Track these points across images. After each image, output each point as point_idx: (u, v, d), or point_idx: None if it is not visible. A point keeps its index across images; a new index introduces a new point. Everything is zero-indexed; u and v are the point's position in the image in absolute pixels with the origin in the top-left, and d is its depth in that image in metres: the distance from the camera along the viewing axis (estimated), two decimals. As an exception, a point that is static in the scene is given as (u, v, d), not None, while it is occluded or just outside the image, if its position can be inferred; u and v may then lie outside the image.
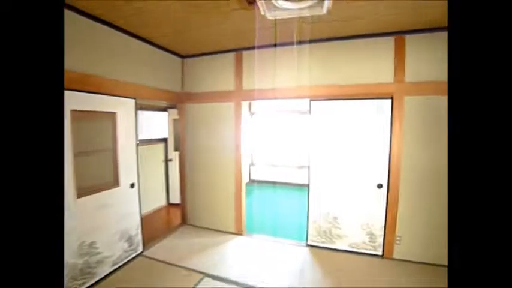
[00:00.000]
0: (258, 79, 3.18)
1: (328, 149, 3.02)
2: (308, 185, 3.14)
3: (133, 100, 2.80)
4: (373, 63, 2.78)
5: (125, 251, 2.80)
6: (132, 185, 2.85)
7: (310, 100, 3.03)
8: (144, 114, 4.56)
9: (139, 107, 4.40)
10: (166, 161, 4.87)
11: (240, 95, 3.29)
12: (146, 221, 4.08)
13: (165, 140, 4.85)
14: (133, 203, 2.88)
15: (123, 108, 2.68)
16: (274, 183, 6.58)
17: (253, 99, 3.28)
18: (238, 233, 3.51)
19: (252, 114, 6.70)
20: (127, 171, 2.77)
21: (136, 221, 2.94)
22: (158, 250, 3.14)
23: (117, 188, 2.66)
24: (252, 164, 6.83)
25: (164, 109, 4.79)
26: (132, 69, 2.80)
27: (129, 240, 2.85)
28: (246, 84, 3.27)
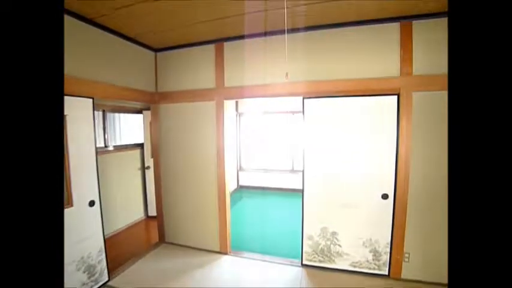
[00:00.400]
0: (243, 74, 2.74)
1: (325, 153, 2.61)
2: (302, 195, 2.72)
3: (89, 100, 2.31)
4: (376, 53, 2.39)
5: (84, 284, 2.30)
6: (92, 203, 2.34)
7: (304, 98, 2.61)
8: (116, 118, 4.04)
9: (109, 110, 3.90)
10: (143, 168, 4.36)
11: (221, 92, 2.84)
12: (116, 240, 3.58)
13: (141, 146, 4.34)
14: (93, 225, 2.38)
15: (75, 109, 2.18)
16: (264, 188, 6.15)
17: (237, 98, 2.84)
18: (223, 251, 3.06)
19: (239, 115, 6.25)
20: (83, 187, 2.27)
21: (98, 245, 2.44)
22: (127, 277, 2.64)
23: (70, 209, 2.16)
24: (240, 169, 6.37)
25: (139, 111, 4.28)
26: (90, 62, 2.30)
27: (89, 269, 2.35)
28: (229, 81, 2.82)
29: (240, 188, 6.32)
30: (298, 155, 5.88)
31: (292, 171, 6.01)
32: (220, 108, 2.84)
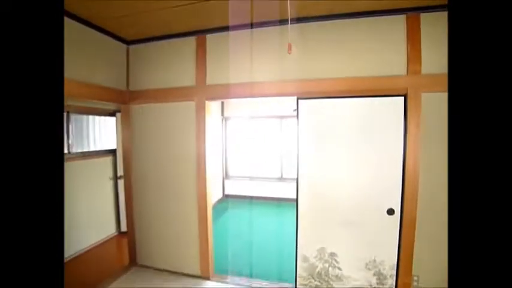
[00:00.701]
0: (227, 71, 2.38)
1: (322, 160, 2.28)
2: (296, 210, 2.37)
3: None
4: (380, 49, 2.11)
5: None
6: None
7: (298, 98, 2.28)
8: (83, 120, 3.55)
9: (75, 111, 3.41)
10: (116, 178, 3.87)
11: (203, 92, 2.46)
12: (80, 262, 3.07)
13: (113, 152, 3.85)
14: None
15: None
16: (252, 198, 5.76)
17: (221, 98, 2.47)
18: (205, 276, 2.64)
19: (225, 119, 5.88)
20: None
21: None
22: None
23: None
24: (226, 177, 5.96)
25: (112, 113, 3.81)
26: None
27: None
28: (211, 79, 2.45)
29: (226, 198, 5.90)
30: (288, 162, 5.57)
31: (281, 179, 5.67)
32: (200, 110, 2.45)
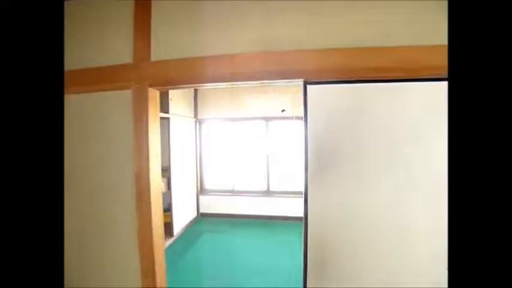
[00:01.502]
0: (186, 37, 1.45)
1: (343, 178, 1.40)
2: (305, 257, 1.46)
3: None
4: (416, 8, 1.28)
5: None
6: None
7: (305, 83, 1.38)
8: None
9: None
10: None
11: (144, 72, 1.48)
12: None
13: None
14: None
15: None
16: (232, 216, 4.79)
17: (176, 84, 1.50)
18: None
19: (198, 122, 4.90)
20: None
21: None
22: None
23: None
24: (201, 193, 4.95)
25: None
26: None
27: None
28: (160, 51, 1.49)
29: (201, 217, 4.88)
30: (276, 173, 4.71)
31: (268, 192, 4.77)
32: (141, 101, 1.47)
